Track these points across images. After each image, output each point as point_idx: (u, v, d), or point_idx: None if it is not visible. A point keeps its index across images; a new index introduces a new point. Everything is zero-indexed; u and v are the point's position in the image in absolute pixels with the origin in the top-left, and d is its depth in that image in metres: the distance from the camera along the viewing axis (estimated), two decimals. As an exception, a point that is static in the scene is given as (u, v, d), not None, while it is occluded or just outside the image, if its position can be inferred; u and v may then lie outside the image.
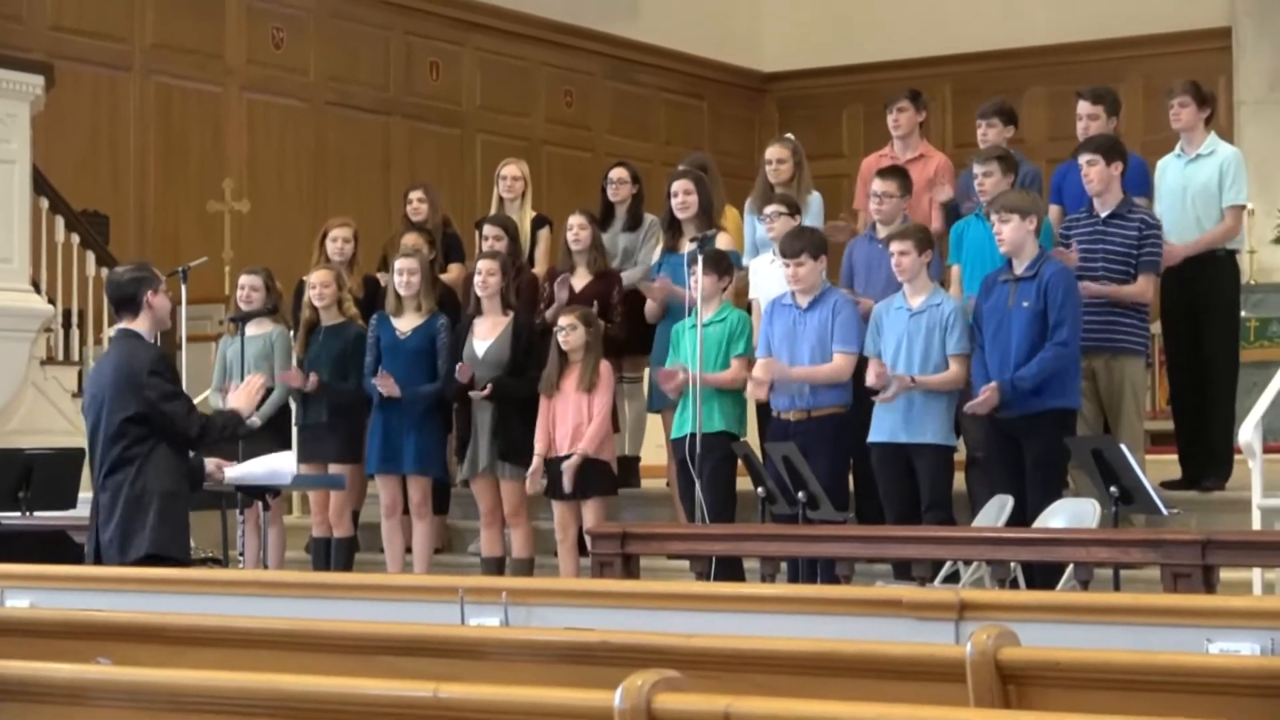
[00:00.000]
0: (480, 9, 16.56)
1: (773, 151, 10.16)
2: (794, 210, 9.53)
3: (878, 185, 9.50)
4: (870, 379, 8.79)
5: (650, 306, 10.14)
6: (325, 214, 12.86)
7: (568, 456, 9.56)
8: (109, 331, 8.06)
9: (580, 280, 10.26)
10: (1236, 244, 9.76)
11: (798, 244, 9.03)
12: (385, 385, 9.87)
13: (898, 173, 9.63)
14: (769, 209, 9.57)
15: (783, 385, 9.07)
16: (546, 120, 17.38)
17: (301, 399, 10.30)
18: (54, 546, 8.57)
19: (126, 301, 7.62)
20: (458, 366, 9.81)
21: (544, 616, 5.41)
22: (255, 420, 8.15)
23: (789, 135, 10.71)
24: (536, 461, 9.64)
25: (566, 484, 9.54)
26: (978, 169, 9.31)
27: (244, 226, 14.29)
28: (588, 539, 8.60)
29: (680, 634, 4.55)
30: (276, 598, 5.94)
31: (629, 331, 10.23)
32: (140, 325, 7.61)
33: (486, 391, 9.74)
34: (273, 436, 10.21)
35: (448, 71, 16.54)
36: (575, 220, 10.31)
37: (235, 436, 8.20)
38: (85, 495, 8.58)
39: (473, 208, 14.43)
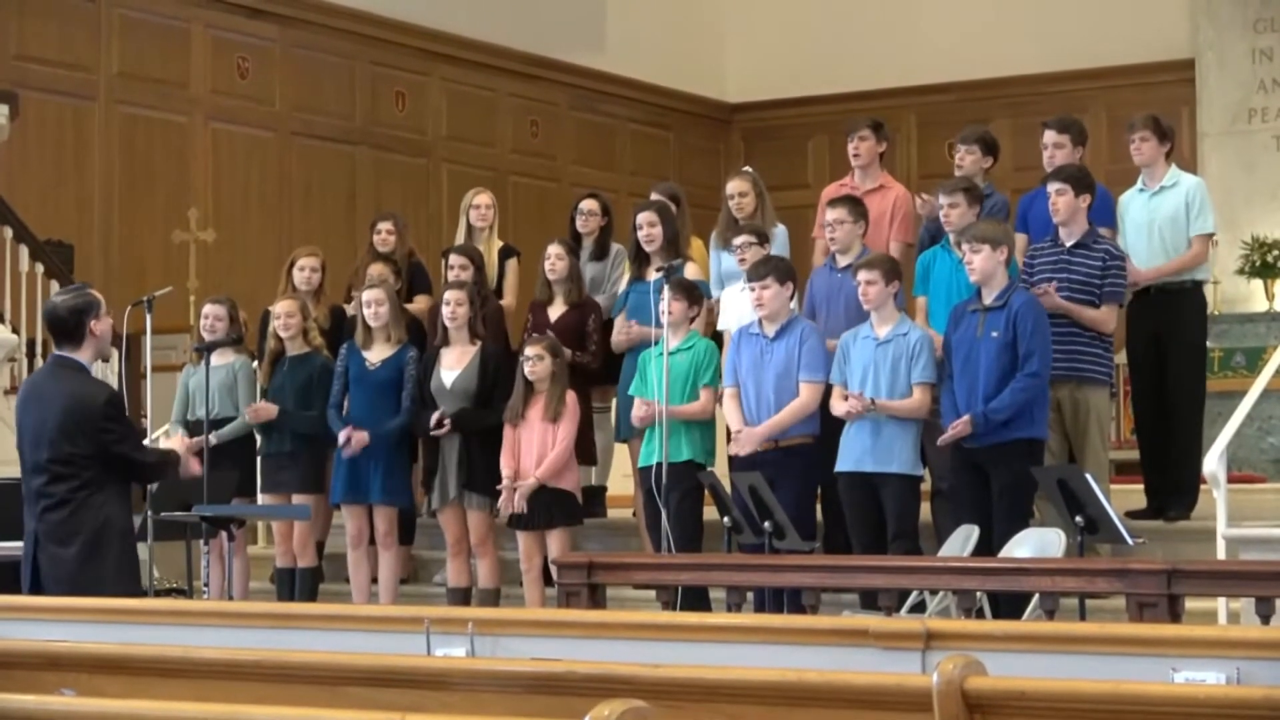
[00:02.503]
0: (446, 40, 16.56)
1: (733, 186, 10.15)
2: (764, 240, 9.55)
3: (828, 214, 9.55)
4: (836, 409, 8.82)
5: (616, 339, 10.15)
6: (290, 244, 12.83)
7: (535, 487, 9.56)
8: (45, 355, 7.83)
9: (556, 310, 10.27)
10: (1202, 274, 9.80)
11: (763, 269, 9.06)
12: (262, 412, 10.05)
13: (848, 200, 9.64)
14: (739, 239, 9.58)
15: (751, 416, 9.07)
16: (512, 150, 17.38)
17: (264, 428, 10.26)
18: (14, 577, 8.50)
19: (69, 333, 7.39)
20: (434, 415, 9.84)
21: (510, 647, 5.39)
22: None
23: (747, 168, 10.73)
24: (504, 488, 9.60)
25: (517, 503, 9.52)
26: (943, 200, 9.32)
27: (209, 256, 14.24)
28: (553, 569, 8.59)
29: (647, 664, 4.55)
30: (242, 628, 5.91)
31: (602, 361, 10.24)
32: (83, 355, 7.40)
33: (446, 428, 9.72)
34: (236, 465, 10.21)
35: (414, 102, 16.53)
36: (553, 250, 10.32)
37: (162, 478, 8.05)
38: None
39: (438, 238, 14.42)
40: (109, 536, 7.30)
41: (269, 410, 10.10)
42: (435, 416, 9.74)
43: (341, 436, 9.89)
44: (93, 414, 7.28)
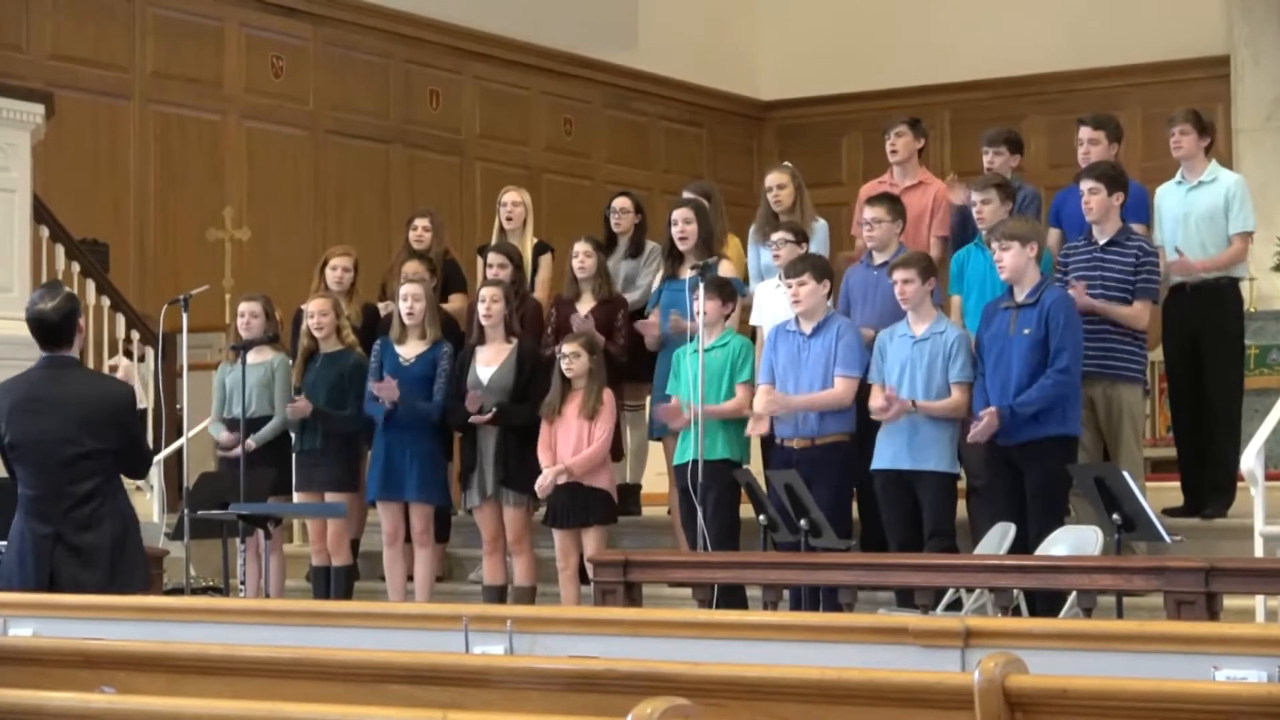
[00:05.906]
0: (480, 38, 16.58)
1: (772, 178, 10.17)
2: (800, 238, 9.52)
3: (867, 213, 9.56)
4: (874, 406, 8.81)
5: (648, 339, 10.15)
6: (325, 242, 12.86)
7: (569, 484, 9.55)
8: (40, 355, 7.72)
9: (585, 306, 10.28)
10: (1239, 271, 9.77)
11: (801, 265, 9.06)
12: (386, 390, 9.85)
13: (886, 199, 9.65)
14: (775, 236, 9.57)
15: (786, 413, 9.07)
16: (546, 148, 17.40)
17: (299, 426, 10.27)
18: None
19: (62, 334, 7.31)
20: (469, 396, 9.78)
21: (548, 645, 5.39)
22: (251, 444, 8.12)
23: (786, 163, 10.72)
24: (546, 474, 9.59)
25: (547, 487, 9.53)
26: (976, 197, 9.32)
27: (244, 255, 14.28)
28: (589, 567, 8.59)
29: (687, 662, 4.54)
30: (280, 626, 5.92)
31: (631, 357, 10.23)
32: (74, 352, 7.45)
33: (489, 416, 9.72)
34: (272, 463, 10.23)
35: (447, 100, 16.55)
36: (581, 248, 10.33)
37: None
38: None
39: (472, 235, 14.44)
40: (133, 528, 7.42)
41: (305, 406, 10.09)
42: (477, 404, 9.72)
43: (379, 390, 9.86)
44: (120, 408, 7.40)
